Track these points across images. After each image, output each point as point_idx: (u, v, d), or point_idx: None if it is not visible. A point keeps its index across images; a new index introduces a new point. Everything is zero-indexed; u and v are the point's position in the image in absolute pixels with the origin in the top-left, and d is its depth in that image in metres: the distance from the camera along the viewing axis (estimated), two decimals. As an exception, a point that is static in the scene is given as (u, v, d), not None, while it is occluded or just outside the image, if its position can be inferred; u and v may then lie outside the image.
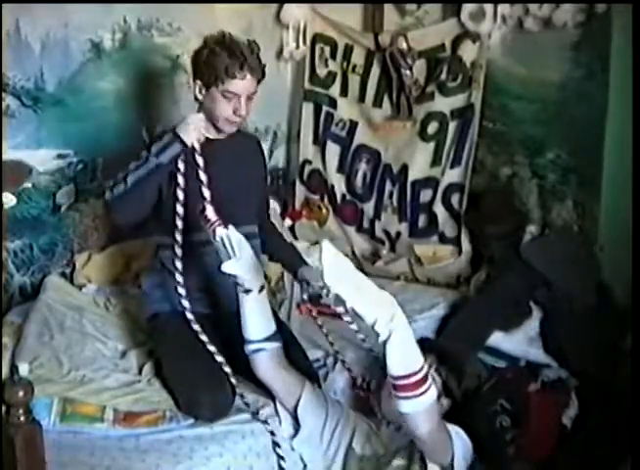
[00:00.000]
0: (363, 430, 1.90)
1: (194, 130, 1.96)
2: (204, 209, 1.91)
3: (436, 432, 1.69)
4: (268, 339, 1.91)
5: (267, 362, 1.92)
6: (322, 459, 1.90)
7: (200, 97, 2.05)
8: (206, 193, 1.95)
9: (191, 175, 2.01)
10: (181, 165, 1.97)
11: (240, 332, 1.94)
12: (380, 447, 1.86)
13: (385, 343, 1.52)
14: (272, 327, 1.93)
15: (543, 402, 2.29)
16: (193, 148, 1.96)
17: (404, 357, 1.56)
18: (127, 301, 2.53)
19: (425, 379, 1.58)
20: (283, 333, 2.01)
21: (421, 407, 1.59)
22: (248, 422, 1.90)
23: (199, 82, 2.02)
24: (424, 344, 2.00)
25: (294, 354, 2.04)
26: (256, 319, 1.90)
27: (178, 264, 1.99)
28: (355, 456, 1.87)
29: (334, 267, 1.48)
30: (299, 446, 1.91)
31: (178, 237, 2.00)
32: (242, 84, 1.98)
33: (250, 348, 1.91)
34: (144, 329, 2.33)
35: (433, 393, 1.60)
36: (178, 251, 2.00)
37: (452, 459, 1.75)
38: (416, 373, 1.56)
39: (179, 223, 1.98)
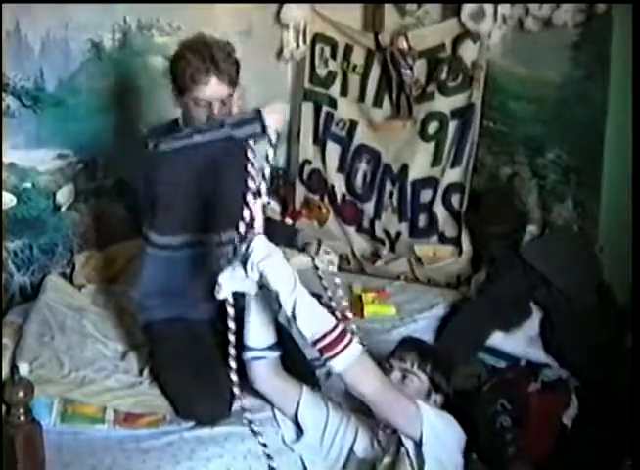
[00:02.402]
0: (365, 434, 1.89)
1: (279, 119, 1.80)
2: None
3: (383, 389, 1.72)
4: (270, 348, 1.90)
5: (264, 371, 1.92)
6: (322, 463, 1.90)
7: (177, 103, 2.04)
8: (263, 189, 1.78)
9: (207, 170, 2.00)
10: (251, 154, 1.78)
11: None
12: (378, 450, 1.86)
13: (293, 312, 1.64)
14: (273, 337, 1.92)
15: (543, 402, 2.29)
16: (269, 137, 1.77)
17: (314, 319, 1.67)
18: (127, 301, 2.52)
19: (342, 335, 1.66)
20: (283, 336, 2.00)
21: (350, 360, 1.66)
22: (248, 424, 1.90)
23: (174, 90, 2.01)
24: (405, 343, 2.01)
25: (292, 358, 2.02)
26: (261, 326, 1.89)
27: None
28: (356, 460, 1.87)
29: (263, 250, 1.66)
30: (300, 451, 1.90)
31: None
32: (208, 90, 1.93)
33: (248, 355, 1.89)
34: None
35: (356, 346, 1.68)
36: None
37: (421, 433, 1.74)
38: (331, 331, 1.65)
39: (246, 218, 1.77)
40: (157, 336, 2.11)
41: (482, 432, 2.01)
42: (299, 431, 1.91)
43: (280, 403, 1.94)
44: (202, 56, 1.91)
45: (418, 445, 1.75)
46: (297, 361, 2.05)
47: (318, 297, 2.47)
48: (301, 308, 1.65)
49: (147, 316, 2.16)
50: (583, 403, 2.29)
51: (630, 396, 1.84)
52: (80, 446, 1.79)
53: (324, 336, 1.64)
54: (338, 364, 1.66)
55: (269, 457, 1.85)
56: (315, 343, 1.66)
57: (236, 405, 1.94)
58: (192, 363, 1.97)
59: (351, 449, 1.88)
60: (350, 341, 1.66)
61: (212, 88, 1.94)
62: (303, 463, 1.90)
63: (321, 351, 1.66)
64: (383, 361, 1.94)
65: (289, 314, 1.67)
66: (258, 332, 1.88)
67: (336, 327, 1.66)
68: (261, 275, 1.66)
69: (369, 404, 1.75)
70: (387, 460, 1.81)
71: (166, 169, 1.91)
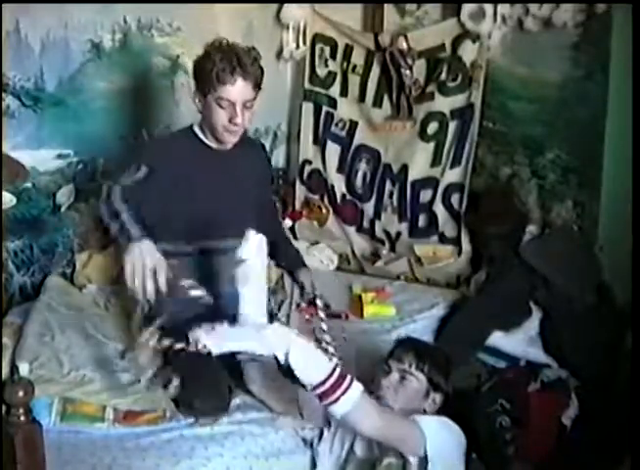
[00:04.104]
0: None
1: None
2: None
3: (385, 425, 1.69)
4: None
5: (259, 375, 1.93)
6: (325, 462, 1.91)
7: (199, 106, 2.04)
8: None
9: (204, 181, 2.02)
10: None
11: None
12: (377, 449, 1.86)
13: (287, 361, 1.59)
14: None
15: (543, 402, 2.29)
16: None
17: (310, 367, 1.61)
18: (127, 301, 2.52)
19: (341, 379, 1.62)
20: None
21: (350, 405, 1.62)
22: (247, 423, 1.91)
23: (197, 91, 2.02)
24: (401, 344, 2.01)
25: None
26: None
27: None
28: (355, 459, 1.87)
29: None
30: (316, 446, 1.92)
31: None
32: (234, 90, 1.94)
33: (243, 357, 1.90)
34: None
35: (356, 388, 1.63)
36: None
37: (425, 450, 1.73)
38: (329, 376, 1.60)
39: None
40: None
41: (482, 432, 2.01)
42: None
43: (275, 406, 1.95)
44: (229, 56, 1.94)
45: (421, 458, 1.75)
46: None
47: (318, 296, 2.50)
48: (297, 358, 1.60)
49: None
50: (583, 403, 2.30)
51: (630, 396, 1.84)
52: (80, 445, 1.79)
53: (323, 382, 1.60)
54: (339, 409, 1.62)
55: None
56: (314, 389, 1.61)
57: (237, 403, 1.95)
58: (191, 359, 1.97)
59: (351, 449, 1.88)
60: (350, 383, 1.62)
61: (238, 89, 1.95)
62: (314, 461, 1.90)
63: (320, 397, 1.62)
64: (380, 363, 1.95)
65: (283, 363, 1.61)
66: None
67: (334, 371, 1.61)
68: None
69: (372, 438, 1.75)
70: (387, 461, 1.80)
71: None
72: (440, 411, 1.90)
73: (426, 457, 1.72)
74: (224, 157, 2.10)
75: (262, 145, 2.38)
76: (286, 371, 1.80)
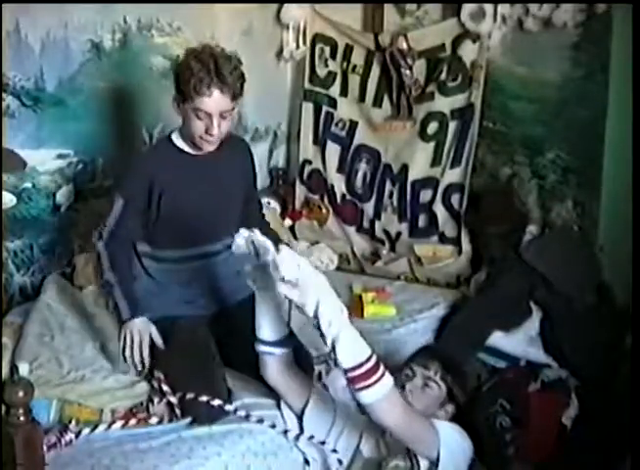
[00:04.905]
0: (371, 435, 1.89)
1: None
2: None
3: (406, 421, 1.70)
4: (280, 343, 1.88)
5: (275, 366, 1.91)
6: (325, 460, 1.90)
7: (178, 112, 2.03)
8: None
9: (192, 187, 2.04)
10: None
11: (242, 330, 1.94)
12: (384, 450, 1.86)
13: (334, 342, 1.58)
14: (284, 330, 1.90)
15: (543, 402, 2.29)
16: None
17: (352, 350, 1.61)
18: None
19: (376, 367, 1.61)
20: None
21: (380, 395, 1.62)
22: (246, 422, 1.90)
23: (176, 97, 1.99)
24: (428, 351, 2.03)
25: (302, 356, 2.04)
26: (270, 320, 1.87)
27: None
28: (362, 459, 1.87)
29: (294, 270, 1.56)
30: (303, 448, 1.90)
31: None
32: (210, 102, 1.90)
33: (260, 348, 1.89)
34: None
35: (388, 380, 1.63)
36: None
37: (438, 454, 1.74)
38: (366, 361, 1.60)
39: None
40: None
41: (482, 432, 2.01)
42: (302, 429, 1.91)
43: (288, 398, 1.94)
44: (207, 67, 1.88)
45: (432, 461, 1.77)
46: (304, 361, 2.06)
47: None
48: (344, 341, 1.59)
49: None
50: (583, 403, 2.30)
51: (630, 396, 1.84)
52: (79, 447, 1.78)
53: (359, 365, 1.59)
54: (368, 396, 1.62)
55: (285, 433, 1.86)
56: (348, 371, 1.60)
57: (236, 403, 1.95)
58: (190, 361, 1.98)
59: (357, 449, 1.88)
60: (383, 373, 1.62)
61: (214, 101, 1.91)
62: (306, 460, 1.90)
63: (353, 380, 1.60)
64: (404, 367, 1.99)
65: (328, 343, 1.60)
66: (267, 326, 1.87)
67: (370, 357, 1.61)
68: (316, 308, 1.58)
69: (391, 432, 1.75)
70: (394, 463, 1.80)
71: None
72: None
73: (437, 462, 1.74)
74: (204, 162, 2.09)
75: (246, 143, 2.34)
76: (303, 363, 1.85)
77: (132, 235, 2.16)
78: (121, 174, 2.19)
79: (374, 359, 1.62)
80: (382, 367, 1.63)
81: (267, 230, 2.29)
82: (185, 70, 1.91)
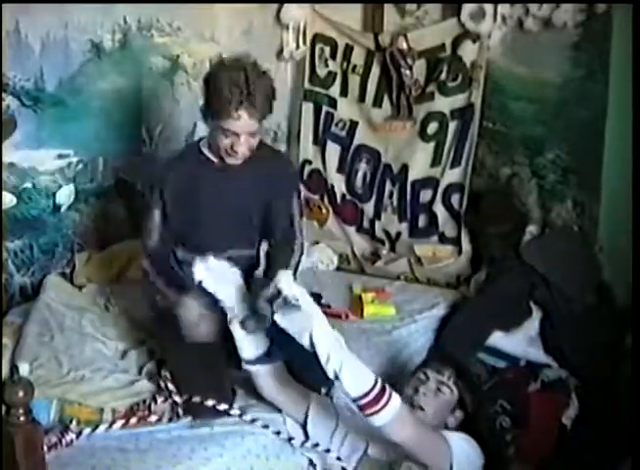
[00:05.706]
0: (380, 439, 1.87)
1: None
2: None
3: (418, 436, 1.73)
4: (263, 359, 1.91)
5: (267, 381, 1.94)
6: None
7: (205, 123, 2.02)
8: None
9: (201, 197, 2.05)
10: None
11: None
12: (392, 452, 1.86)
13: (337, 374, 1.65)
14: (265, 344, 1.92)
15: (543, 402, 2.29)
16: None
17: (356, 380, 1.67)
18: (127, 301, 2.53)
19: (382, 391, 1.67)
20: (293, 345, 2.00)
21: (390, 416, 1.67)
22: (248, 423, 1.90)
23: (204, 109, 1.96)
24: (441, 356, 2.04)
25: (298, 367, 2.02)
26: (248, 339, 1.90)
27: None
28: (370, 461, 1.87)
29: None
30: (309, 454, 1.91)
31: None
32: (238, 124, 1.88)
33: (247, 367, 1.93)
34: (144, 329, 2.33)
35: (395, 400, 1.68)
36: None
37: (451, 467, 1.77)
38: (372, 389, 1.66)
39: None
40: (166, 325, 2.12)
41: (482, 432, 2.01)
42: (307, 434, 1.92)
43: (288, 410, 1.96)
44: (239, 88, 1.83)
45: None
46: (306, 369, 2.04)
47: (318, 296, 2.50)
48: (347, 373, 1.65)
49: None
50: (583, 403, 2.30)
51: (630, 396, 1.84)
52: (80, 446, 1.78)
53: (366, 394, 1.65)
54: (379, 420, 1.67)
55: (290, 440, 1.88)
56: (356, 400, 1.66)
57: (239, 404, 1.95)
58: (195, 360, 1.98)
59: (364, 451, 1.88)
60: (390, 395, 1.67)
61: (242, 123, 1.88)
62: (312, 463, 1.90)
63: (362, 407, 1.66)
64: (418, 371, 2.02)
65: (331, 375, 1.66)
66: (247, 345, 1.90)
67: (376, 383, 1.67)
68: (311, 342, 1.66)
69: (403, 448, 1.77)
70: (406, 465, 1.81)
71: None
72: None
73: None
74: (222, 173, 2.07)
75: (284, 159, 2.33)
76: (297, 375, 1.87)
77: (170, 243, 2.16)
78: (149, 180, 2.18)
79: (379, 385, 1.67)
80: (388, 389, 1.68)
81: (284, 248, 2.22)
82: (214, 87, 1.87)
